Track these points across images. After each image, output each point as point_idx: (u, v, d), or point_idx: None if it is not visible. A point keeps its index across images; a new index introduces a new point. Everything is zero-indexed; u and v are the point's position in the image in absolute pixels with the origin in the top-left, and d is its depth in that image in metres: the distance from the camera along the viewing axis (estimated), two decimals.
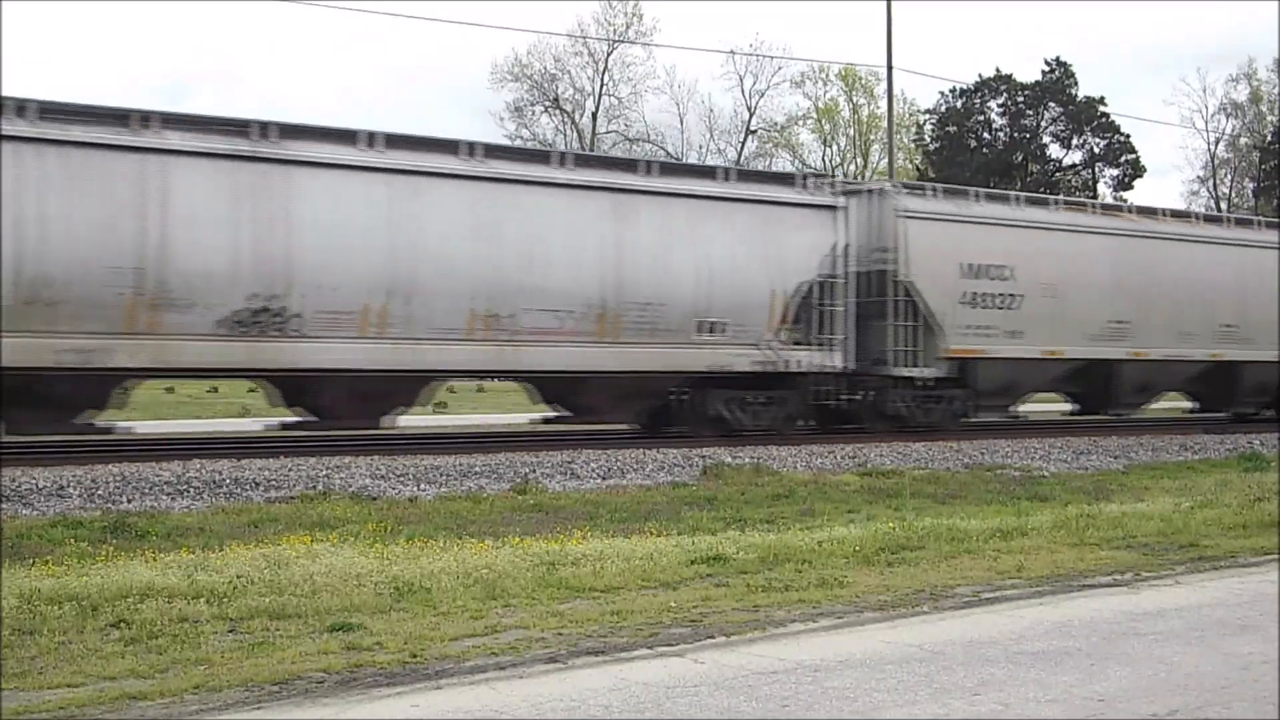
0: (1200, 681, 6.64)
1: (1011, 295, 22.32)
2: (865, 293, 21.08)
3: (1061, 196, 25.82)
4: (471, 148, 17.68)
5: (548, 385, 19.01)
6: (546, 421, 19.77)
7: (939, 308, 21.45)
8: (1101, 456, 20.21)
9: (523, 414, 23.64)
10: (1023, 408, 24.68)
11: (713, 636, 7.62)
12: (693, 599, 8.71)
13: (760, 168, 20.95)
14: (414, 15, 73.67)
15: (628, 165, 19.27)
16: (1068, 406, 26.20)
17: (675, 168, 19.61)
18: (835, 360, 20.37)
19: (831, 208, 20.48)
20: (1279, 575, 9.98)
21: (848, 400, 21.11)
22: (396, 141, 17.11)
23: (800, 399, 20.48)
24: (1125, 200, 58.05)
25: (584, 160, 18.74)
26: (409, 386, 17.56)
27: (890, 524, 12.23)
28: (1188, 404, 28.44)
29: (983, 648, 7.39)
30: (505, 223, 17.55)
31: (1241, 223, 27.90)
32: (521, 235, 17.63)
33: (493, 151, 18.02)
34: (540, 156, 18.41)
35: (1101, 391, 24.29)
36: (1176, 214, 26.99)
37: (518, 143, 50.88)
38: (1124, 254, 24.06)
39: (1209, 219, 27.22)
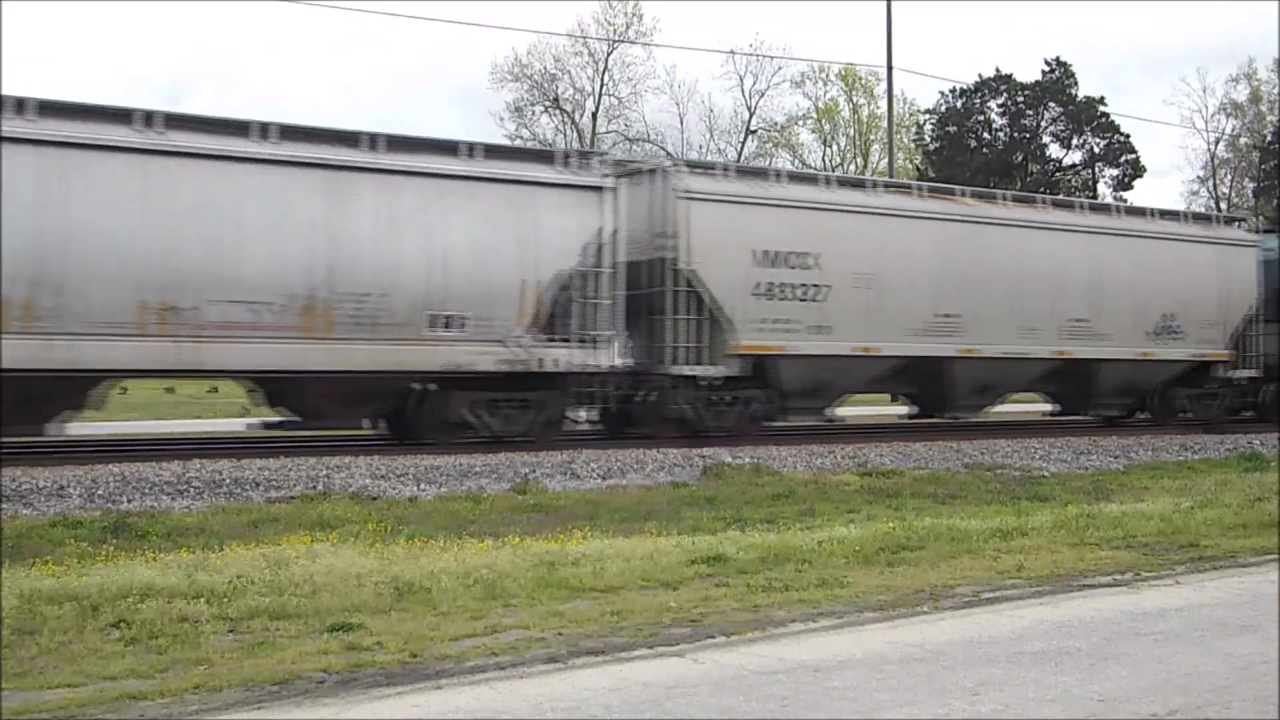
0: (1200, 681, 6.64)
1: (816, 286, 20.17)
2: (647, 283, 19.25)
3: (883, 178, 23.15)
4: (149, 117, 15.45)
5: (267, 386, 17.11)
6: (267, 426, 17.60)
7: (727, 300, 19.39)
8: (1101, 456, 20.20)
9: (242, 419, 21.20)
10: (841, 410, 22.86)
11: (713, 636, 7.62)
12: (693, 599, 8.71)
13: (512, 144, 17.74)
14: (414, 15, 73.62)
15: (347, 139, 16.89)
16: (904, 409, 24.22)
17: (407, 142, 17.37)
18: (601, 359, 18.28)
19: (598, 189, 18.30)
20: (1279, 575, 9.99)
21: (628, 401, 19.19)
22: (51, 110, 15.05)
23: (562, 401, 18.48)
24: (1125, 199, 58.13)
25: (291, 133, 16.43)
26: (71, 388, 15.40)
27: (890, 524, 12.24)
28: (1046, 406, 26.84)
29: (983, 648, 7.39)
30: (187, 203, 15.49)
31: (1099, 209, 25.83)
32: (208, 217, 15.60)
33: (175, 122, 15.69)
34: (236, 128, 16.09)
35: (935, 392, 22.51)
36: (1020, 198, 24.97)
37: (518, 143, 50.76)
38: (954, 241, 21.92)
39: (1059, 204, 25.05)
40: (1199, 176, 66.79)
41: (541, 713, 6.00)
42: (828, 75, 62.18)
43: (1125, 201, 58.11)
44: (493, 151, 18.16)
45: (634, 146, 55.82)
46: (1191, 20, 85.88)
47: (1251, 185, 64.74)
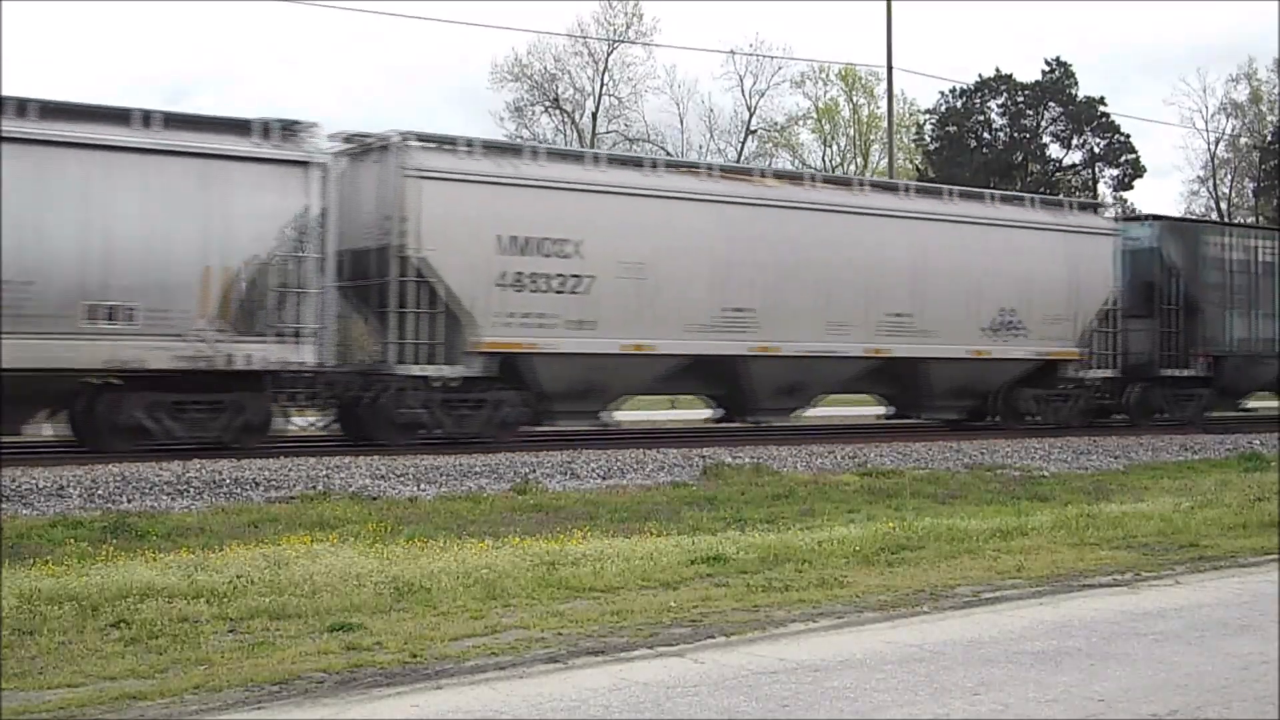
0: (1200, 681, 6.64)
1: (577, 276, 18.16)
2: (377, 272, 17.45)
3: (665, 157, 20.53)
4: None
5: None
6: None
7: (467, 291, 17.43)
8: (1101, 456, 20.20)
9: None
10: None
11: (713, 636, 7.62)
12: (693, 599, 8.71)
13: (203, 113, 16.26)
14: (414, 15, 73.46)
15: None
16: (707, 412, 22.48)
17: (65, 110, 15.23)
18: (305, 355, 16.31)
19: (304, 164, 16.33)
20: (1279, 575, 9.99)
21: (358, 403, 17.39)
22: None
23: (263, 404, 16.56)
24: (1125, 199, 58.12)
25: None
26: None
27: (890, 524, 12.24)
28: (880, 408, 24.67)
29: (983, 648, 7.39)
30: None
31: (926, 192, 23.41)
32: None
33: None
34: None
35: (734, 393, 20.69)
36: (833, 180, 22.82)
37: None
38: (747, 227, 19.76)
39: (880, 186, 22.93)
40: (1199, 176, 66.90)
41: (541, 713, 6.00)
42: (828, 75, 62.18)
43: (1125, 198, 58.25)
44: (175, 121, 15.90)
45: (634, 146, 55.79)
46: (1191, 20, 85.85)
47: (1251, 185, 64.79)
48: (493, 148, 18.64)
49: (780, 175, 22.09)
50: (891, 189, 23.03)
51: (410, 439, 17.44)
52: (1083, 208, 25.35)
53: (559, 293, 18.11)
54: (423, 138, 17.94)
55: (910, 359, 21.53)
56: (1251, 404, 29.58)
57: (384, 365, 17.39)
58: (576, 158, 19.56)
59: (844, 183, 22.61)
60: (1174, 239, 25.45)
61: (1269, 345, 26.53)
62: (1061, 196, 26.28)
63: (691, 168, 20.83)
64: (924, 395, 22.38)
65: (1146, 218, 27.43)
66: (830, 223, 20.67)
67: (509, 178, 17.96)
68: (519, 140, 18.00)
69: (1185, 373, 25.20)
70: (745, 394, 20.44)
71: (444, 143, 18.14)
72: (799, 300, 20.24)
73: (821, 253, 20.46)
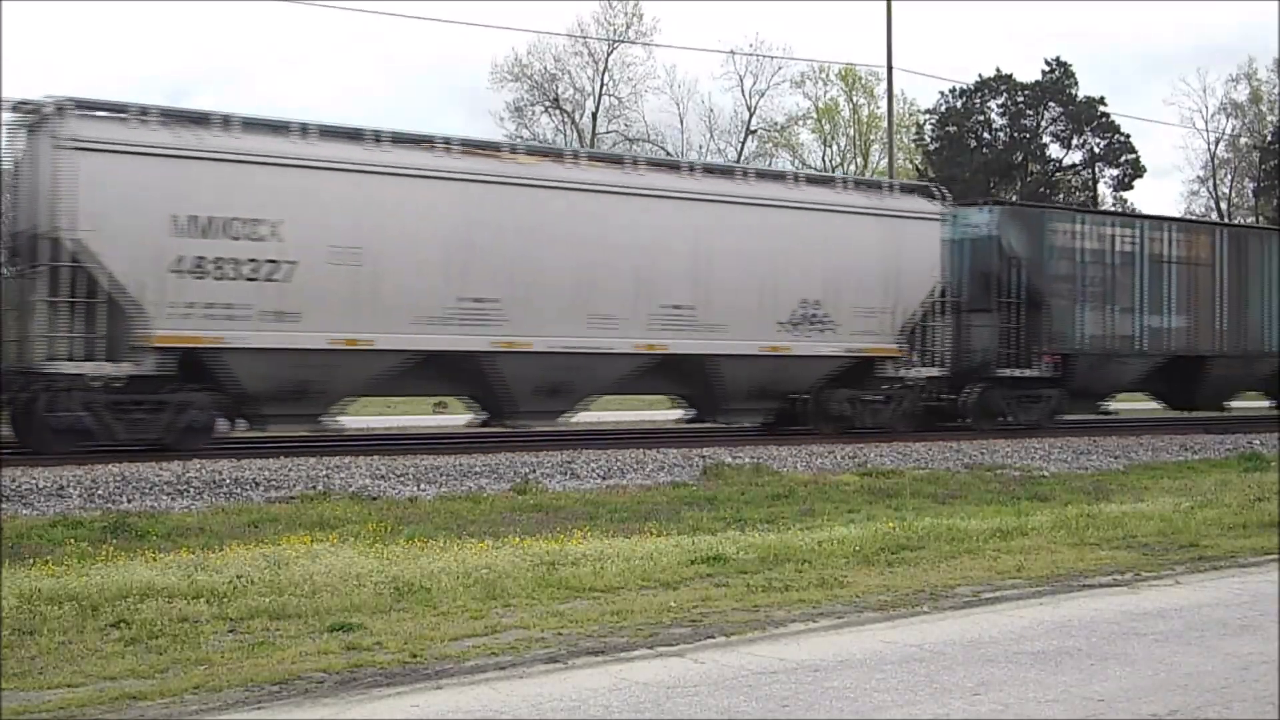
0: (1200, 681, 6.64)
1: (274, 262, 16.19)
2: (29, 258, 15.75)
3: (393, 129, 17.78)
4: None
5: None
6: None
7: (134, 278, 15.47)
8: (1101, 456, 20.20)
9: None
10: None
11: (713, 636, 7.63)
12: (693, 599, 8.71)
13: None
14: (414, 15, 73.46)
15: None
16: (467, 417, 20.49)
17: None
18: None
19: None
20: (1279, 575, 9.99)
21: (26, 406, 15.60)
22: None
23: None
24: (1125, 199, 58.09)
25: None
26: None
27: (890, 524, 12.24)
28: (679, 411, 22.22)
29: (983, 648, 7.39)
30: None
31: (717, 171, 21.45)
32: None
33: None
34: None
35: (488, 394, 18.81)
36: (601, 157, 21.05)
37: (518, 143, 50.52)
38: (491, 208, 17.85)
39: (659, 165, 21.18)
40: (1199, 176, 67.01)
41: (541, 713, 6.00)
42: (828, 75, 62.26)
43: (1125, 198, 58.24)
44: None
45: (634, 146, 55.80)
46: (1191, 20, 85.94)
47: (1251, 185, 64.84)
48: (174, 116, 16.32)
49: (536, 151, 20.17)
50: (674, 168, 20.93)
51: (76, 446, 15.38)
52: (906, 190, 23.00)
53: (251, 280, 16.13)
54: (84, 104, 15.95)
55: (695, 356, 19.61)
56: (1113, 405, 26.94)
57: (33, 364, 15.55)
58: (278, 129, 16.95)
59: (615, 160, 20.51)
60: (1015, 226, 23.27)
61: (1127, 343, 24.25)
62: (881, 178, 23.65)
63: (426, 142, 18.26)
64: (718, 397, 20.37)
65: (985, 203, 25.14)
66: (595, 204, 18.73)
67: (190, 150, 15.99)
68: (210, 111, 16.41)
69: (1027, 372, 23.14)
70: (498, 395, 18.52)
71: (113, 110, 16.19)
72: (555, 290, 18.27)
73: (583, 237, 18.49)
